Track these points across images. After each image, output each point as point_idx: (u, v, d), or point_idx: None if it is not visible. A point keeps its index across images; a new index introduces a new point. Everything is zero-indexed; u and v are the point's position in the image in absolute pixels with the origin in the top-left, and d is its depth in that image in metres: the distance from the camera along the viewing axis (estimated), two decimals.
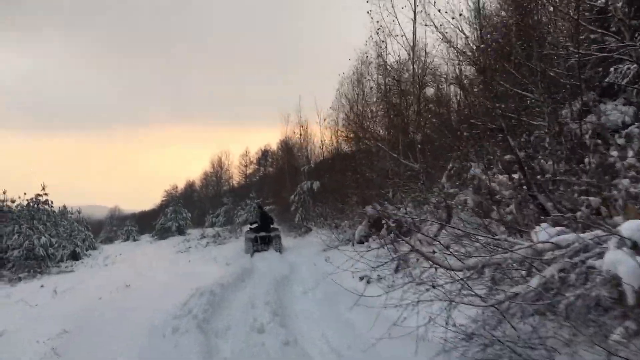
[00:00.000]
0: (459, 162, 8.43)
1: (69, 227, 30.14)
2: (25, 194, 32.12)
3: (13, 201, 28.22)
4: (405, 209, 9.60)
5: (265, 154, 61.89)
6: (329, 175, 18.58)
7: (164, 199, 59.81)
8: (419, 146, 11.60)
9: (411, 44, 14.04)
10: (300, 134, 22.43)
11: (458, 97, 15.09)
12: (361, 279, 7.12)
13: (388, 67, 15.21)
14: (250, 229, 16.54)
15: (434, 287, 3.89)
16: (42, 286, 12.74)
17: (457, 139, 8.57)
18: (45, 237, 23.83)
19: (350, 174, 15.51)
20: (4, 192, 27.55)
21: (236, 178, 65.54)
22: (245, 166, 64.70)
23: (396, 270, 7.20)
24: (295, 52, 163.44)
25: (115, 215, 73.59)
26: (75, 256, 27.80)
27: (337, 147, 22.92)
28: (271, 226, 16.45)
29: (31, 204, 30.05)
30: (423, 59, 14.47)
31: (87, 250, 33.27)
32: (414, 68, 14.31)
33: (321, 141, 22.64)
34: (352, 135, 23.36)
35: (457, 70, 14.26)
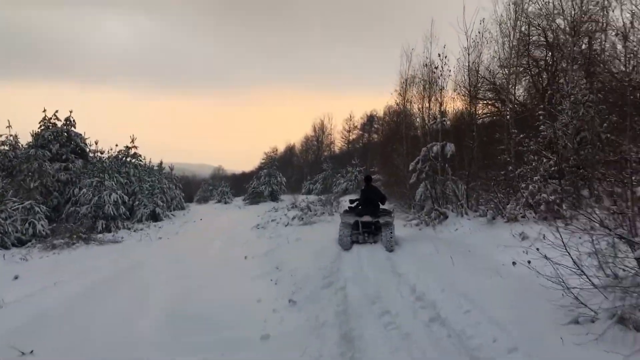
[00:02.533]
0: None
1: (153, 185, 27.16)
2: (116, 145, 29.89)
3: (102, 152, 25.89)
4: None
5: (370, 119, 56.58)
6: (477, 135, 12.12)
7: (262, 161, 57.09)
8: None
9: None
10: (434, 67, 14.68)
11: None
12: None
13: None
14: (350, 207, 10.93)
15: None
16: (16, 277, 8.68)
17: None
18: (116, 193, 20.62)
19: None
20: (96, 143, 25.29)
21: (338, 144, 61.16)
22: (349, 131, 59.99)
23: None
24: None
25: (218, 175, 73.33)
26: (155, 216, 24.82)
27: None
28: (381, 207, 10.78)
29: (120, 156, 27.67)
30: None
31: (174, 209, 30.59)
32: None
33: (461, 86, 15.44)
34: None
35: None
